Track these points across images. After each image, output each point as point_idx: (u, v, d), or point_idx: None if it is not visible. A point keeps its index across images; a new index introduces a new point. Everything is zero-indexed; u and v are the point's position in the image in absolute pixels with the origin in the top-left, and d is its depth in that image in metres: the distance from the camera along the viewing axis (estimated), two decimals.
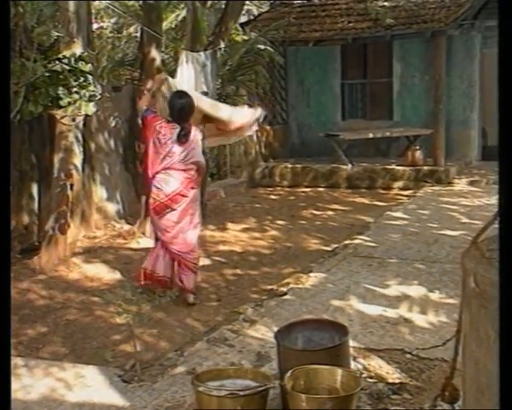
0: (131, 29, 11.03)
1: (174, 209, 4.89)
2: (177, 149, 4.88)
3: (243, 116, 5.45)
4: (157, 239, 5.14)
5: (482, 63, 10.97)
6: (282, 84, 12.32)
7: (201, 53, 7.56)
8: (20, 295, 5.22)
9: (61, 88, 5.73)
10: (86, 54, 6.06)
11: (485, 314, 1.64)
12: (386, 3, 10.93)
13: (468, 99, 11.14)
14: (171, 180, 4.89)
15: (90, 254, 6.44)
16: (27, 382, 3.60)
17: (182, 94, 5.18)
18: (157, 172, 4.90)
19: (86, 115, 6.17)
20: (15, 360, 3.76)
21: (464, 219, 7.43)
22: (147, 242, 6.96)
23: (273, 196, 10.00)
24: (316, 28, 11.23)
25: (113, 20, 11.38)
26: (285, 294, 4.95)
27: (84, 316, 4.81)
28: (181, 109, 4.94)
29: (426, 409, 3.01)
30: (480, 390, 1.69)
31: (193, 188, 4.98)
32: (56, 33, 5.86)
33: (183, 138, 4.89)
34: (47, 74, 5.65)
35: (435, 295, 4.77)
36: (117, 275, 5.81)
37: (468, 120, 11.18)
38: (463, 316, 1.86)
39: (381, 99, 11.73)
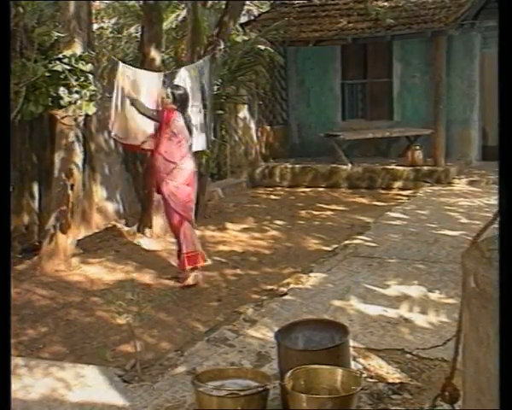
0: (132, 29, 11.03)
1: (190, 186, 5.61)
2: (187, 135, 5.62)
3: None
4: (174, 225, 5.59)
5: (482, 63, 10.97)
6: (283, 85, 12.33)
7: (201, 61, 7.42)
8: (21, 295, 5.22)
9: (61, 88, 5.74)
10: (86, 54, 6.06)
11: (486, 314, 1.64)
12: (386, 3, 10.93)
13: (468, 99, 11.14)
14: (190, 162, 5.60)
15: (91, 254, 6.45)
16: (28, 382, 3.60)
17: (179, 86, 5.91)
18: (183, 156, 5.49)
19: (87, 115, 6.17)
20: (16, 360, 3.76)
21: (464, 220, 7.43)
22: (147, 242, 6.98)
23: (273, 196, 10.00)
24: (316, 28, 11.23)
25: (113, 21, 11.36)
26: (285, 294, 4.95)
27: (84, 316, 4.81)
28: (184, 99, 5.64)
29: (426, 409, 3.01)
30: (480, 390, 1.69)
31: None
32: (57, 33, 5.86)
33: (189, 127, 5.64)
34: (47, 74, 5.65)
35: (435, 295, 4.77)
36: (117, 275, 5.81)
37: (469, 120, 11.19)
38: (463, 316, 1.86)
39: (382, 99, 11.74)
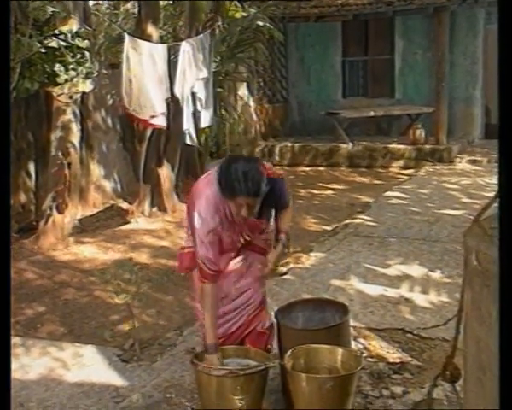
0: (129, 5, 10.87)
1: None
2: None
3: None
4: None
5: (486, 39, 10.82)
6: (282, 62, 12.19)
7: (201, 36, 7.32)
8: (18, 275, 5.20)
9: (57, 65, 5.65)
10: (83, 30, 5.96)
11: (488, 293, 1.60)
12: None
13: (471, 76, 11.01)
14: None
15: (89, 233, 6.41)
16: (25, 361, 3.59)
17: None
18: None
19: (83, 93, 6.09)
20: (13, 340, 3.74)
21: (466, 199, 7.38)
22: (145, 221, 6.94)
23: None
24: (316, 4, 11.06)
25: None
26: (285, 273, 4.92)
27: (82, 296, 4.79)
28: None
29: (426, 388, 2.98)
30: (481, 369, 1.65)
31: None
32: (52, 8, 5.75)
33: None
34: (43, 51, 5.56)
35: (436, 275, 4.74)
36: (115, 255, 5.77)
37: (471, 97, 11.07)
38: (465, 295, 1.82)
39: (383, 76, 11.61)
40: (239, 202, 2.73)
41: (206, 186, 2.86)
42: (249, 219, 2.87)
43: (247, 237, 2.96)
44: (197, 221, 2.82)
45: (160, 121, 6.52)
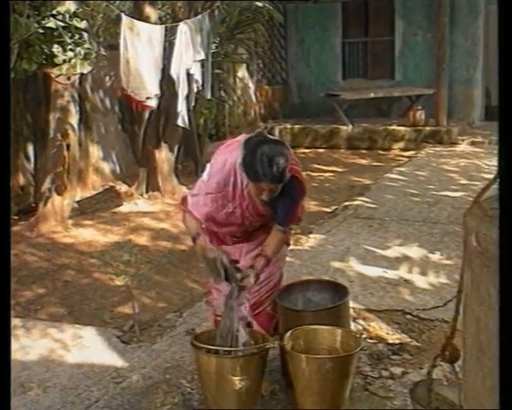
0: None
1: None
2: None
3: None
4: None
5: (487, 20, 10.74)
6: (282, 43, 12.10)
7: (199, 17, 7.25)
8: (17, 257, 5.20)
9: (55, 45, 5.59)
10: (81, 10, 5.90)
11: (487, 273, 1.59)
12: None
13: (471, 57, 10.94)
14: None
15: (88, 215, 6.40)
16: (26, 343, 3.60)
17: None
18: None
19: (81, 74, 6.05)
20: (14, 321, 3.75)
21: (466, 181, 7.37)
22: (145, 203, 6.93)
23: None
24: None
25: None
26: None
27: (81, 277, 4.79)
28: None
29: (426, 369, 3.00)
30: (480, 349, 1.65)
31: None
32: None
33: None
34: (41, 31, 5.49)
35: (436, 257, 4.74)
36: (114, 237, 5.77)
37: (472, 79, 11.01)
38: (465, 275, 1.81)
39: (383, 58, 11.54)
40: (261, 187, 2.66)
41: (231, 149, 2.80)
42: (258, 204, 2.80)
43: (248, 220, 2.91)
44: (205, 175, 2.83)
45: (155, 103, 6.53)
